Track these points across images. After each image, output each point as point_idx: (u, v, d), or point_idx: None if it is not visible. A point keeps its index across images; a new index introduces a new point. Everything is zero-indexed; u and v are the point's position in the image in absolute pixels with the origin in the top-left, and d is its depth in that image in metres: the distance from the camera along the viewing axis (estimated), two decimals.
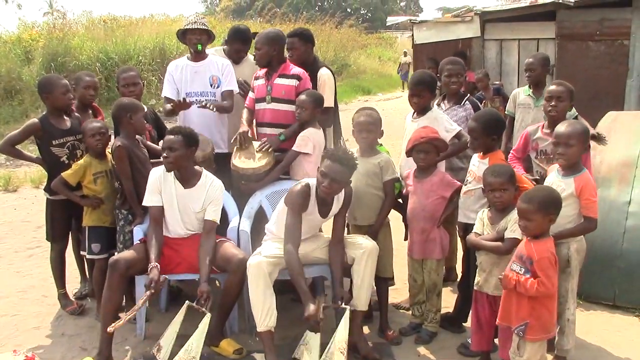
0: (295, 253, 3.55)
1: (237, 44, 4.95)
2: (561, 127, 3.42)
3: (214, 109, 4.45)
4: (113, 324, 3.48)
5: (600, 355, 3.73)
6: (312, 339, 3.53)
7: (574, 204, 3.33)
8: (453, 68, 4.63)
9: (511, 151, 4.20)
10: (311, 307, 3.39)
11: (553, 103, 3.90)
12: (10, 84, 13.19)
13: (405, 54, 24.16)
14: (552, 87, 3.98)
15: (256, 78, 4.58)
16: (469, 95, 4.79)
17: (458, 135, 4.08)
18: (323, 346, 3.51)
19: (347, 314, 3.52)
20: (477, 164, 3.72)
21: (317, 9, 41.93)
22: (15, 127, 4.63)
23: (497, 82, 8.47)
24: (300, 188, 3.68)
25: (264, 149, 4.26)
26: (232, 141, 4.47)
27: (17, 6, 29.73)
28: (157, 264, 3.65)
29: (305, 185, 3.69)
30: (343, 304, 3.56)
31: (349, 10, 45.78)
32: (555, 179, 3.43)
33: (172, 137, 3.78)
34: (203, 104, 4.43)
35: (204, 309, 3.56)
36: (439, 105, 4.66)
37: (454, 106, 4.58)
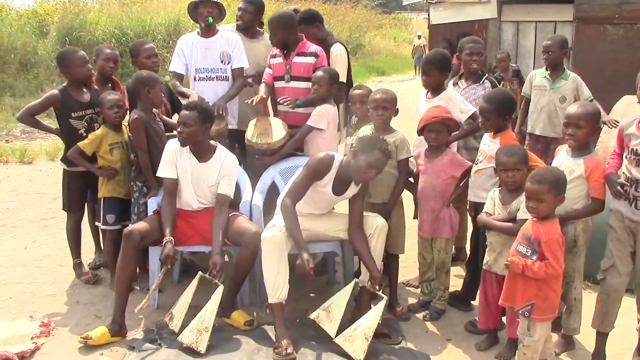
0: (292, 207, 3.58)
1: (248, 6, 4.87)
2: (572, 108, 3.39)
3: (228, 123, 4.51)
4: (139, 305, 3.57)
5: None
6: (336, 309, 3.55)
7: (582, 185, 3.32)
8: (474, 46, 4.62)
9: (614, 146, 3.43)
10: (304, 256, 3.43)
11: None
12: (25, 58, 13.26)
13: (419, 37, 23.84)
14: None
15: (273, 56, 4.59)
16: (487, 74, 4.77)
17: (473, 116, 4.08)
18: (343, 323, 3.54)
19: (382, 303, 3.52)
20: (488, 144, 3.72)
21: None
22: (30, 100, 4.69)
23: (515, 65, 8.42)
24: (324, 156, 3.68)
25: (284, 103, 4.32)
26: (248, 102, 4.46)
27: None
28: (171, 238, 3.70)
29: (331, 156, 3.69)
30: (381, 291, 3.57)
31: None
32: (565, 160, 3.40)
33: (187, 112, 3.81)
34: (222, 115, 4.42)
35: (216, 281, 3.62)
36: (455, 84, 4.65)
37: (472, 84, 4.57)
